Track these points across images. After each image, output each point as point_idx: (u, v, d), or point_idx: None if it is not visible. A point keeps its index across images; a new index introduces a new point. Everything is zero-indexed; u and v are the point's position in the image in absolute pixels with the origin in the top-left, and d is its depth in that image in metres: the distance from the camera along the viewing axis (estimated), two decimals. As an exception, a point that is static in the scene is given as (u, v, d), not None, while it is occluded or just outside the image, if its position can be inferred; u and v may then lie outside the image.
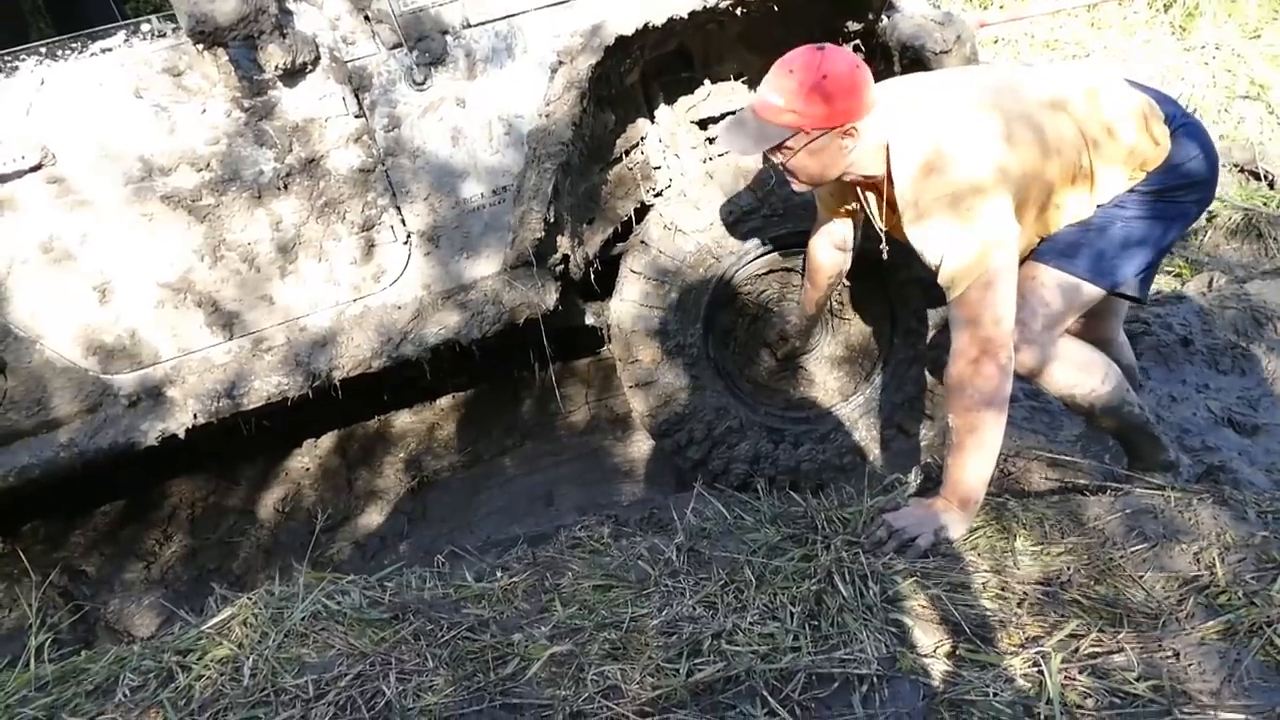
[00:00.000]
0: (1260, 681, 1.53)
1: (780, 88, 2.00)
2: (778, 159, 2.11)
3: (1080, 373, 2.29)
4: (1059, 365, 2.26)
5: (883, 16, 2.56)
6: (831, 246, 2.56)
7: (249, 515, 3.47)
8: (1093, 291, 2.25)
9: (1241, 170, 5.31)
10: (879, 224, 2.30)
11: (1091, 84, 2.21)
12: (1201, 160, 2.21)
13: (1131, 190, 2.20)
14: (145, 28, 2.27)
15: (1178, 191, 2.21)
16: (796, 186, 2.22)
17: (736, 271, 2.83)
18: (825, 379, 3.10)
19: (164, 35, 2.25)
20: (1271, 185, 5.20)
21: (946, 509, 2.08)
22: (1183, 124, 2.21)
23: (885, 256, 2.35)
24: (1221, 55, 5.58)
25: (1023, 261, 2.23)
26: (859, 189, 2.30)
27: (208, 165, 2.25)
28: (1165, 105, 2.23)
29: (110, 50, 2.20)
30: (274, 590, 2.02)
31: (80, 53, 2.20)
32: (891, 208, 2.16)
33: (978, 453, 2.06)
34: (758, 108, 2.06)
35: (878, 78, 2.32)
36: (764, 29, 2.71)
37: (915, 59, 2.54)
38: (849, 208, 2.46)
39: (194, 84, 2.21)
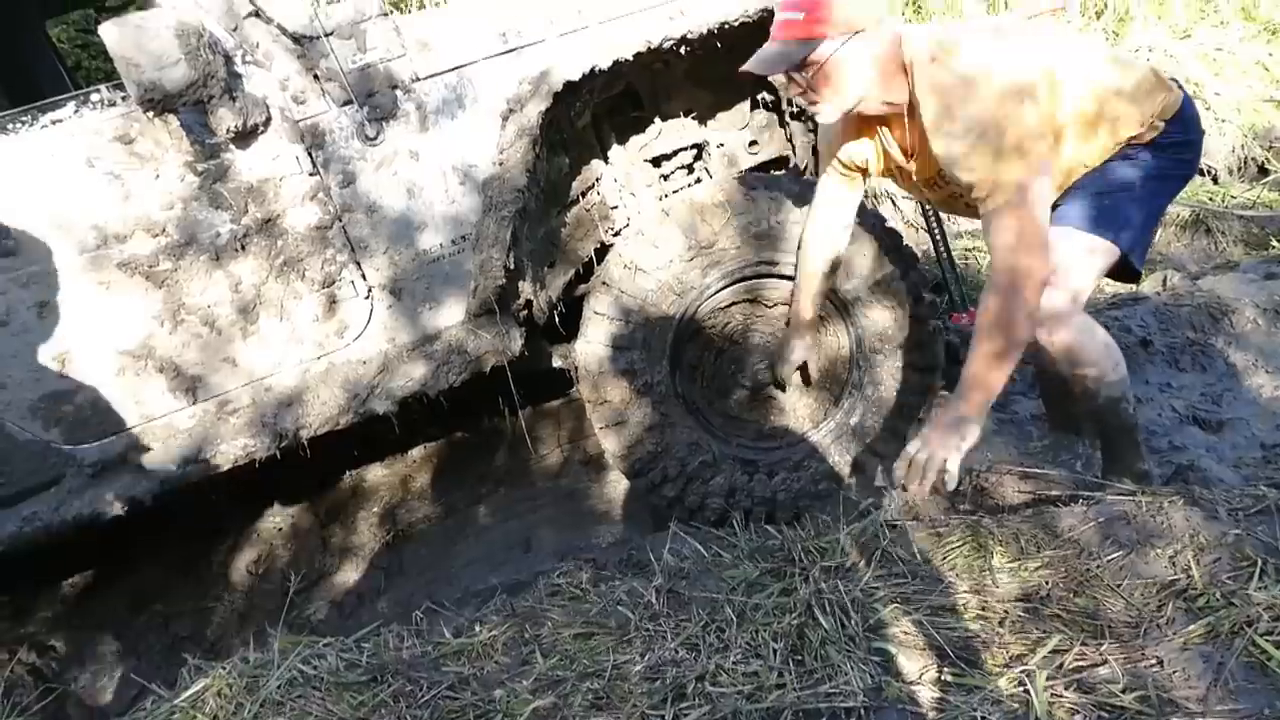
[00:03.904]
0: (1246, 684, 1.53)
1: (796, 2, 2.04)
2: (803, 76, 2.09)
3: (1099, 352, 2.30)
4: (1086, 337, 2.27)
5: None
6: (834, 226, 2.56)
7: (221, 579, 3.41)
8: (1112, 255, 2.26)
9: (1186, 167, 5.42)
10: (902, 159, 2.31)
11: (1111, 54, 2.29)
12: (1195, 110, 2.29)
13: (1153, 142, 2.24)
14: (95, 97, 2.27)
15: (1184, 149, 2.27)
16: (823, 113, 2.18)
17: (700, 306, 2.84)
18: (795, 406, 3.10)
19: (114, 104, 2.25)
20: (1215, 181, 5.31)
21: (959, 418, 2.10)
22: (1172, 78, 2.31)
23: (929, 206, 2.37)
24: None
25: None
26: (878, 128, 2.32)
27: (164, 230, 2.24)
28: None
29: (61, 121, 2.19)
30: (249, 658, 1.99)
31: (31, 125, 2.20)
32: (919, 137, 2.18)
33: (995, 360, 2.09)
34: (777, 32, 2.08)
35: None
36: (710, 65, 2.74)
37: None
38: (859, 164, 2.46)
39: (146, 151, 2.20)
